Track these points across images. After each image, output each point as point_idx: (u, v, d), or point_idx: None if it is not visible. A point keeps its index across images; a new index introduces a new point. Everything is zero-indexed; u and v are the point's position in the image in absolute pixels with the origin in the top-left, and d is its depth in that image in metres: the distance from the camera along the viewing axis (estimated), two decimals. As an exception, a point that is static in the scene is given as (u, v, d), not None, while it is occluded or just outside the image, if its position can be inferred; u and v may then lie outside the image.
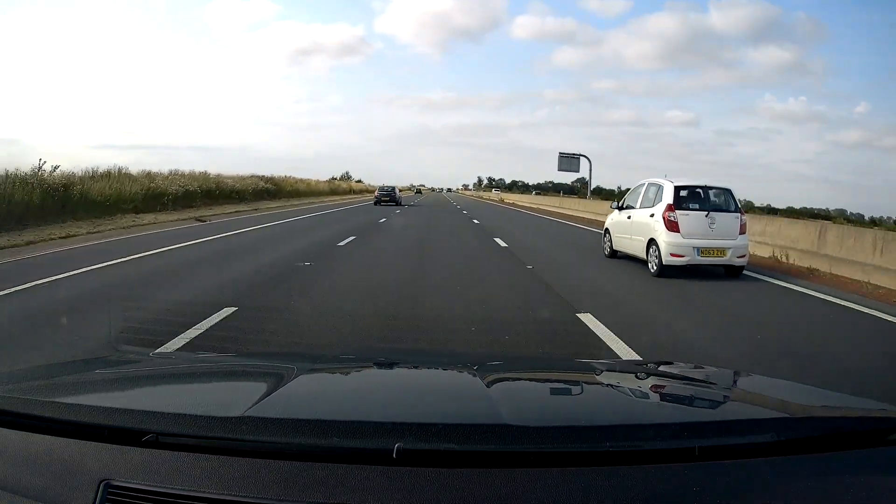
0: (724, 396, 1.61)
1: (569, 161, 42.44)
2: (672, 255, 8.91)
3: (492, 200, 72.57)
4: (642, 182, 10.65)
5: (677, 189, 9.39)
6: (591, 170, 45.88)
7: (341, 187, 77.33)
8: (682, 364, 2.38)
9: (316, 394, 1.51)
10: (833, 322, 6.66)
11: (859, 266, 9.40)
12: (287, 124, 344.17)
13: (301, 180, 56.37)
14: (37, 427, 1.15)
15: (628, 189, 12.01)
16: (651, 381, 1.81)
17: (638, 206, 10.26)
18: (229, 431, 1.08)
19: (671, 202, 9.22)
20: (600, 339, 5.12)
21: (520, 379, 1.78)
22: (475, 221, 23.57)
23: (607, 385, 1.78)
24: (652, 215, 9.50)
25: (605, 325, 5.54)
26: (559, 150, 44.08)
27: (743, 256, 9.21)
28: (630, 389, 1.73)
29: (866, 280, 8.98)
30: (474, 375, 1.62)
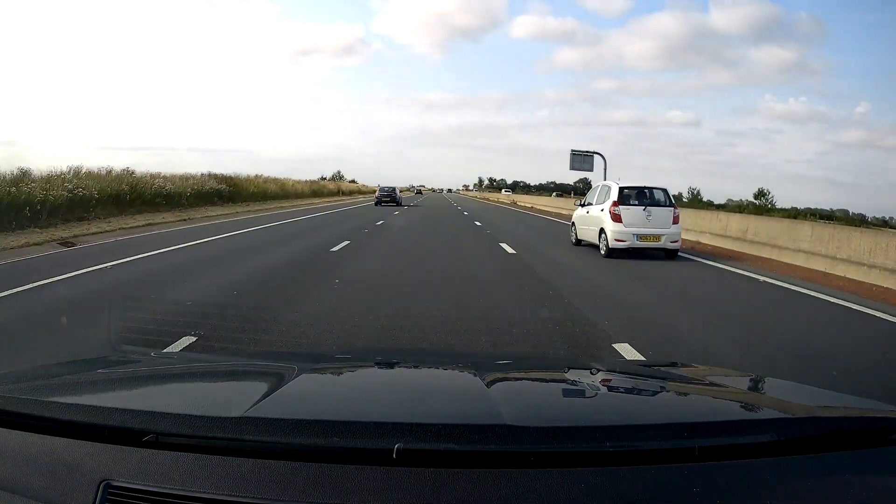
0: (724, 396, 1.61)
1: (582, 159, 38.37)
2: (616, 240, 11.43)
3: (501, 203, 60.90)
4: (598, 184, 13.70)
5: (621, 189, 11.91)
6: (605, 168, 42.47)
7: (326, 188, 65.65)
8: (683, 364, 2.38)
9: (316, 394, 1.51)
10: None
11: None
12: (287, 125, 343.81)
13: (273, 179, 45.79)
14: (37, 427, 1.15)
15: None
16: (651, 381, 1.81)
17: (594, 203, 12.74)
18: (229, 431, 1.08)
19: (616, 199, 11.70)
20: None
21: (520, 379, 1.78)
22: (508, 250, 12.78)
23: (607, 385, 1.78)
24: (602, 210, 12.04)
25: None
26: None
27: (676, 241, 11.62)
28: (630, 389, 1.74)
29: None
30: (474, 375, 1.62)
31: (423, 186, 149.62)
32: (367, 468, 0.99)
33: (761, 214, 30.21)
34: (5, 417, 1.18)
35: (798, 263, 11.10)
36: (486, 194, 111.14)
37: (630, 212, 11.55)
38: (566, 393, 1.68)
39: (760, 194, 50.99)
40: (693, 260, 11.85)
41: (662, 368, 2.05)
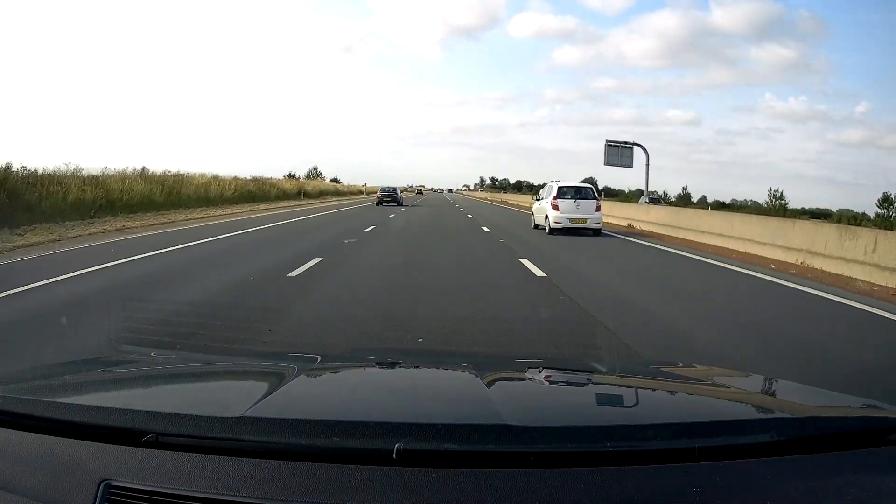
0: (724, 396, 1.62)
1: (619, 152, 31.86)
2: (555, 222, 16.80)
3: (521, 208, 39.58)
4: (545, 183, 20.34)
5: (560, 188, 17.46)
6: (647, 164, 33.06)
7: (270, 193, 40.85)
8: (683, 364, 2.38)
9: (316, 394, 1.51)
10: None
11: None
12: (286, 125, 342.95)
13: (180, 176, 29.63)
14: (37, 427, 1.15)
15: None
16: (651, 381, 1.81)
17: (544, 198, 18.39)
18: (229, 431, 1.08)
19: (555, 195, 17.19)
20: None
21: (520, 379, 1.78)
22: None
23: (607, 385, 1.78)
24: (547, 203, 17.49)
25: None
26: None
27: (598, 223, 17.03)
28: (630, 389, 1.74)
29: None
30: (474, 375, 1.62)
31: (423, 186, 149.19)
32: (367, 468, 0.99)
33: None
34: (5, 417, 1.18)
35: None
36: (504, 196, 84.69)
37: (564, 203, 16.96)
38: (566, 393, 1.69)
39: (776, 198, 51.17)
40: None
41: (662, 368, 2.05)
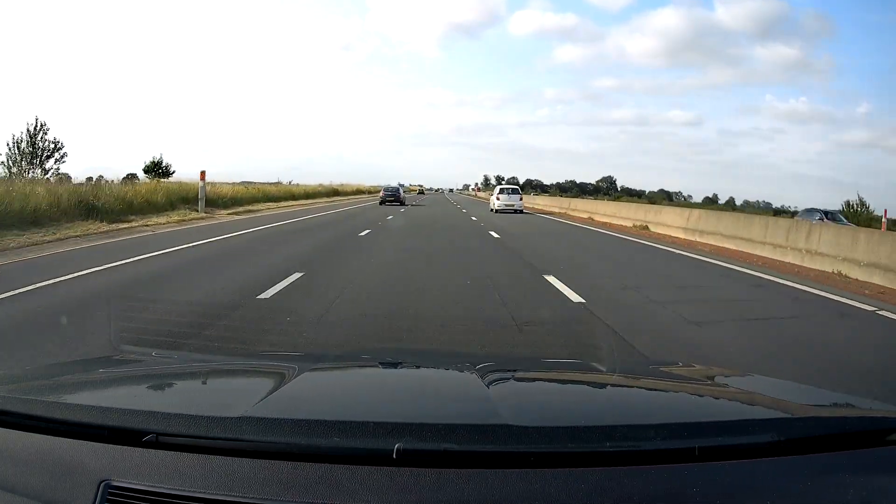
0: (724, 396, 1.62)
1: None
2: (497, 206, 32.13)
3: (569, 218, 28.86)
4: (494, 183, 78.24)
5: (500, 188, 36.78)
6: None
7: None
8: (683, 364, 2.39)
9: (316, 394, 1.51)
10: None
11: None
12: (285, 124, 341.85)
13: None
14: (37, 427, 1.15)
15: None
16: (651, 381, 1.81)
17: (494, 193, 35.72)
18: (229, 431, 1.08)
19: (498, 191, 35.18)
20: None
21: (520, 379, 1.78)
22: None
23: (607, 385, 1.78)
24: (493, 195, 35.33)
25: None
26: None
27: (521, 208, 32.23)
28: (630, 389, 1.74)
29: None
30: (474, 375, 1.62)
31: (422, 186, 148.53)
32: (368, 468, 0.99)
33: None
34: (6, 417, 1.18)
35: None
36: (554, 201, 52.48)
37: (502, 195, 33.10)
38: (566, 393, 1.69)
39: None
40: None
41: (663, 368, 2.05)
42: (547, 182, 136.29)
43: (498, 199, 32.56)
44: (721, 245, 14.16)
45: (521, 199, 32.99)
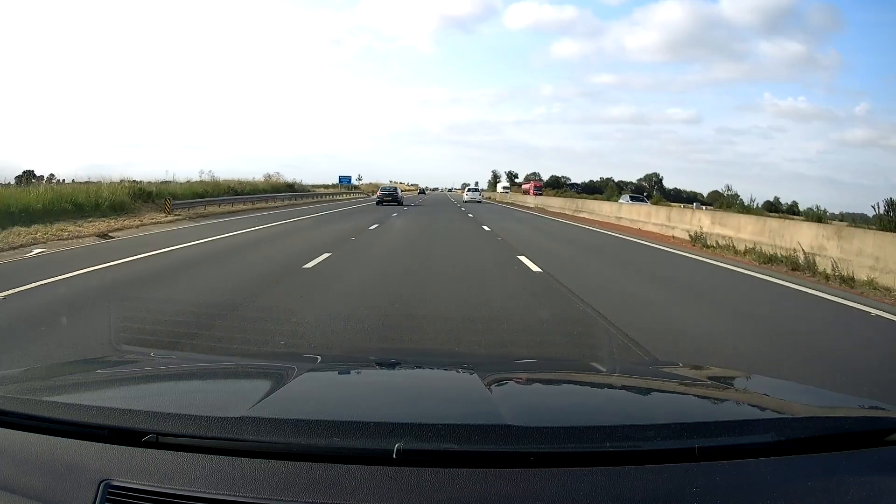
0: (724, 396, 1.62)
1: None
2: (464, 199, 58.73)
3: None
4: (467, 185, 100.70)
5: (468, 187, 79.98)
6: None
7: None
8: (683, 364, 2.39)
9: (316, 394, 1.51)
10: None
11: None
12: (282, 124, 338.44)
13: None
14: (37, 427, 1.15)
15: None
16: (651, 381, 1.81)
17: (465, 190, 77.98)
18: (229, 431, 1.08)
19: (468, 189, 71.78)
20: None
21: (520, 379, 1.78)
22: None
23: (607, 385, 1.78)
24: (463, 192, 78.35)
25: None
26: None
27: (480, 200, 59.53)
28: (630, 389, 1.74)
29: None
30: (474, 376, 1.62)
31: (417, 185, 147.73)
32: (367, 468, 0.99)
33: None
34: (6, 418, 1.18)
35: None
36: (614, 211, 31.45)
37: (468, 192, 63.65)
38: (566, 393, 1.69)
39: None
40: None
41: (663, 368, 2.05)
42: (576, 181, 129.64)
43: (466, 194, 62.03)
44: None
45: (479, 195, 63.64)
